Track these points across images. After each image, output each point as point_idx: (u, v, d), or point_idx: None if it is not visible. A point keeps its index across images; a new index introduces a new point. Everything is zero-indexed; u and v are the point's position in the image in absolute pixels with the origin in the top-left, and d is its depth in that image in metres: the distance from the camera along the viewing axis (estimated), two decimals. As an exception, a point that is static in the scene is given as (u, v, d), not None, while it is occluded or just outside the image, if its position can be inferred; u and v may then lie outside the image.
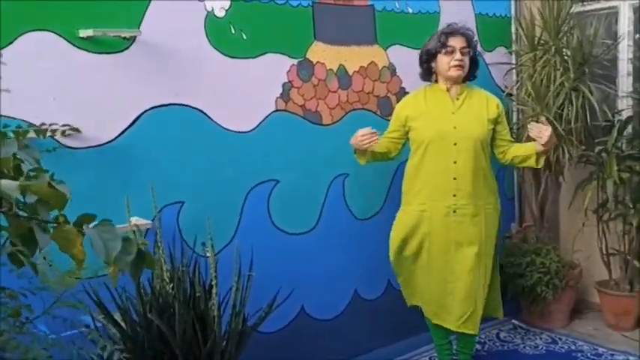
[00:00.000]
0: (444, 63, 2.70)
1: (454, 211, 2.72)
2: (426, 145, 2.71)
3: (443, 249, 2.75)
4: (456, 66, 2.68)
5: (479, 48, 3.14)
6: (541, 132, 2.63)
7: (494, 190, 2.83)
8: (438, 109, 2.75)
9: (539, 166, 2.80)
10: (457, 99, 2.75)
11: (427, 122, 2.73)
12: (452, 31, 2.71)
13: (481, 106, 2.76)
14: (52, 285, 1.38)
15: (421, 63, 2.80)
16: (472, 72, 2.80)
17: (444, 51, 2.69)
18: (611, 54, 3.39)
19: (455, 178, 2.70)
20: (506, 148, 2.84)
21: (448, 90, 2.75)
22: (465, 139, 2.69)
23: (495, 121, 2.78)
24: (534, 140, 2.70)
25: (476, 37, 2.86)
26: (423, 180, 2.74)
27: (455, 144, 2.69)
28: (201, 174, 2.53)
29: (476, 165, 2.72)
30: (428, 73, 2.80)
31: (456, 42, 2.69)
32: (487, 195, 2.78)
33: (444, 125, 2.71)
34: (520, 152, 2.79)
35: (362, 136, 2.63)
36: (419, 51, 2.81)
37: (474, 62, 2.79)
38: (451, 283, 2.76)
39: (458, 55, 2.68)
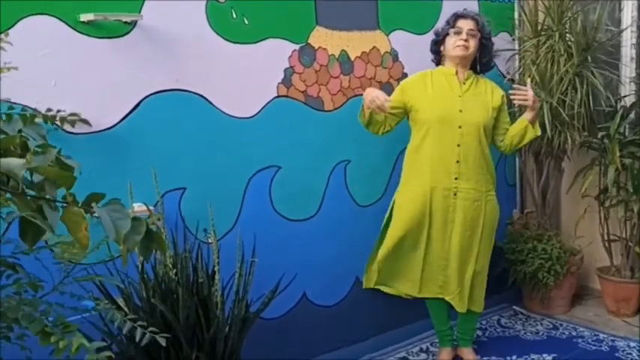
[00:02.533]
0: (450, 43, 2.73)
1: (455, 194, 2.72)
2: (430, 126, 2.71)
3: (441, 230, 2.75)
4: (459, 45, 2.69)
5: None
6: (525, 95, 2.71)
7: (494, 179, 2.84)
8: (444, 91, 2.74)
9: (538, 134, 2.83)
10: (464, 83, 2.76)
11: (432, 103, 2.73)
12: (462, 15, 2.75)
13: (486, 93, 2.79)
14: (64, 260, 1.38)
15: (431, 47, 2.83)
16: (481, 59, 2.79)
17: (451, 32, 2.72)
18: (614, 40, 3.37)
19: (458, 162, 2.70)
20: (504, 135, 2.86)
21: (456, 73, 2.76)
22: (470, 123, 2.70)
23: (499, 109, 2.80)
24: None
25: (487, 24, 2.81)
26: (425, 161, 2.73)
27: (460, 127, 2.69)
28: (202, 160, 2.51)
29: (479, 150, 2.73)
30: (437, 55, 2.81)
31: (464, 24, 2.72)
32: (488, 182, 2.78)
33: (450, 108, 2.72)
34: (514, 130, 2.82)
35: (375, 100, 2.53)
36: (422, 36, 2.80)
37: (484, 50, 2.78)
38: (444, 262, 2.78)
39: (463, 36, 2.70)
